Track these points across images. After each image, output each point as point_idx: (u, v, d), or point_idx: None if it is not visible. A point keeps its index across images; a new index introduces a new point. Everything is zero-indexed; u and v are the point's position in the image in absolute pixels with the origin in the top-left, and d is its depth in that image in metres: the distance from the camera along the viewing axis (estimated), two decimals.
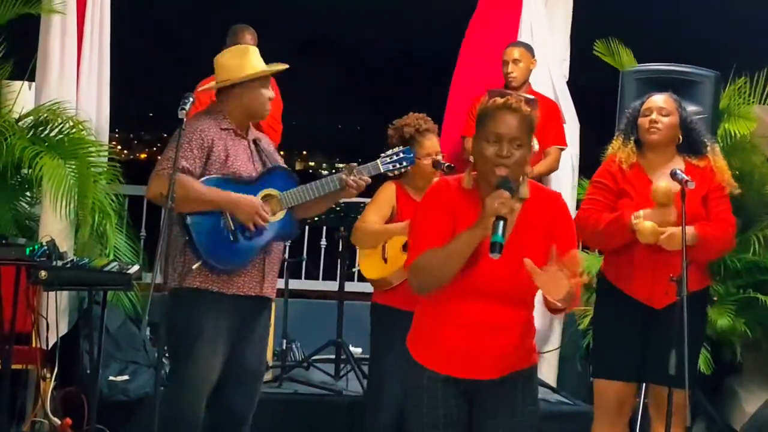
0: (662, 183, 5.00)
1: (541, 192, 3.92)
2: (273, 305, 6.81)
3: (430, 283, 3.76)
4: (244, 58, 5.02)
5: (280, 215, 4.91)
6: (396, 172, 5.08)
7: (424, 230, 3.82)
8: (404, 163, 5.04)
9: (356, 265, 6.02)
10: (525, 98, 3.82)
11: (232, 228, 4.83)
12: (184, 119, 4.68)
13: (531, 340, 3.96)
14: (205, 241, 4.83)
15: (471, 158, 3.87)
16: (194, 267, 4.79)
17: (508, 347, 3.82)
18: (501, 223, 3.55)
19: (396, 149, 5.07)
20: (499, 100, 3.78)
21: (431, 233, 3.77)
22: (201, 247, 4.82)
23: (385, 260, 5.60)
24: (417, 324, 4.01)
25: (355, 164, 4.94)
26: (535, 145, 6.30)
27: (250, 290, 4.92)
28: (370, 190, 5.89)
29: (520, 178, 3.78)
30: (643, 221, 4.96)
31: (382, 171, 5.00)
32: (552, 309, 3.79)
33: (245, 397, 5.06)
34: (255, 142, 5.06)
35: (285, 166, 5.04)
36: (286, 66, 5.13)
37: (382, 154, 5.08)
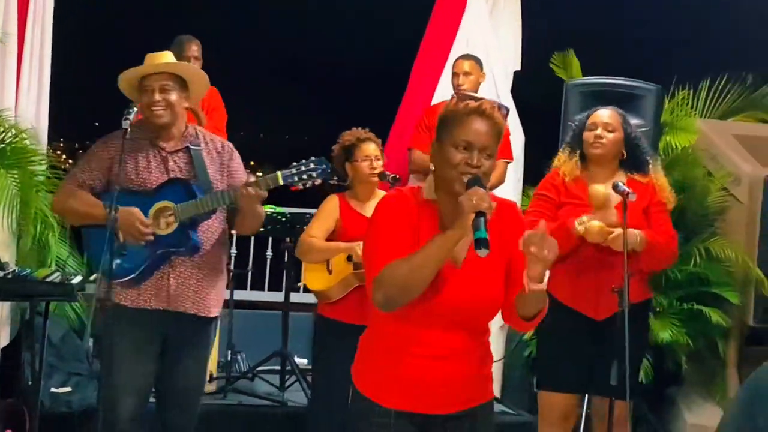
0: (600, 186, 5.09)
1: (497, 202, 3.52)
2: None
3: (399, 295, 3.34)
4: (144, 63, 4.90)
5: (173, 227, 4.74)
6: (308, 185, 4.78)
7: (385, 241, 3.42)
8: (315, 175, 4.74)
9: (302, 278, 5.98)
10: (498, 104, 3.63)
11: (121, 240, 4.70)
12: (128, 128, 4.64)
13: (489, 368, 3.64)
14: (96, 252, 4.74)
15: (432, 166, 3.53)
16: (92, 278, 4.73)
17: (468, 377, 3.50)
18: (482, 219, 3.25)
19: (305, 160, 4.78)
20: (473, 104, 3.47)
21: (393, 244, 3.39)
22: (93, 259, 4.79)
23: (330, 272, 5.62)
24: (364, 354, 3.62)
25: (254, 177, 4.77)
26: None
27: (157, 304, 4.76)
28: (316, 201, 5.91)
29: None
30: (591, 221, 5.02)
31: (282, 183, 4.72)
32: (522, 319, 3.47)
33: (181, 416, 4.94)
34: (187, 149, 4.87)
35: (184, 178, 4.79)
36: (156, 64, 4.86)
37: (291, 168, 4.77)
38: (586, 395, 5.53)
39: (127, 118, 4.61)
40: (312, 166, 4.73)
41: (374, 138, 5.77)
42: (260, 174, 4.83)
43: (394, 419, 3.49)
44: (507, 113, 3.50)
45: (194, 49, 7.14)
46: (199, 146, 4.91)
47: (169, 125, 4.84)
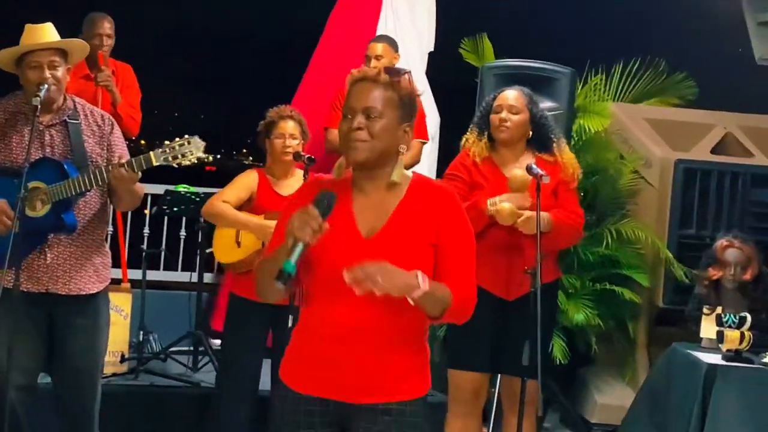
0: (519, 171, 5.12)
1: (428, 185, 3.44)
2: (128, 299, 6.72)
3: (260, 291, 3.35)
4: (22, 38, 4.69)
5: (46, 209, 4.58)
6: (182, 164, 4.58)
7: (278, 230, 3.36)
8: (189, 153, 4.56)
9: (211, 245, 5.96)
10: (390, 69, 3.53)
11: None
12: (38, 106, 4.54)
13: (418, 357, 3.38)
14: None
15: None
16: None
17: (382, 362, 3.28)
18: (298, 247, 3.07)
19: (179, 139, 4.61)
20: (356, 73, 3.41)
21: (278, 235, 3.33)
22: None
23: (239, 245, 5.63)
24: (291, 339, 3.44)
25: (127, 158, 4.63)
26: None
27: (33, 287, 4.64)
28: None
29: (380, 153, 3.31)
30: (502, 203, 5.05)
31: (156, 163, 4.55)
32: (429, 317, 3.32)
33: (77, 399, 4.84)
34: (64, 123, 4.71)
35: (55, 158, 4.64)
36: (44, 42, 4.66)
37: (164, 146, 4.59)
38: (499, 375, 5.57)
39: (38, 96, 4.51)
40: (186, 144, 4.57)
41: (297, 117, 5.76)
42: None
43: (306, 406, 3.33)
44: (401, 73, 3.39)
45: (107, 26, 7.04)
46: (78, 120, 4.76)
47: (53, 101, 4.69)
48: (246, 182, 5.71)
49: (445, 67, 8.44)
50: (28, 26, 4.71)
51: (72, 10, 7.16)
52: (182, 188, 7.14)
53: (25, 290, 4.61)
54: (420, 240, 3.31)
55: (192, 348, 7.14)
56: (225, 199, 5.65)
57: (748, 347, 5.65)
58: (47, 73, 4.62)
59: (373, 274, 3.04)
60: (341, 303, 3.22)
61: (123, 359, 6.75)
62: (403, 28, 8.00)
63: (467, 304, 3.39)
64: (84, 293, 4.75)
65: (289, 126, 5.70)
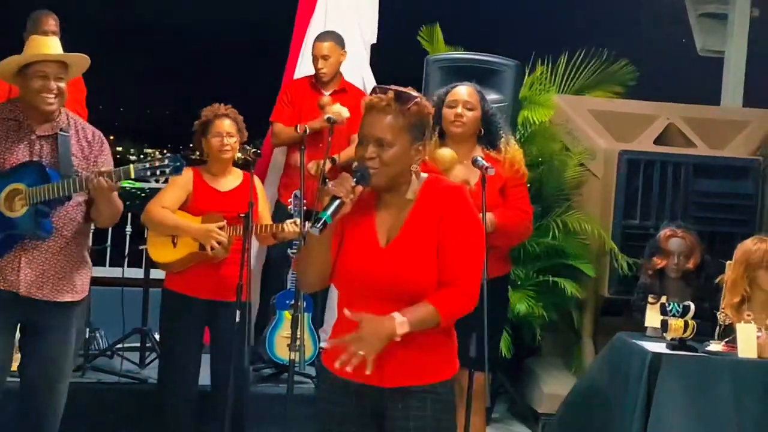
0: (444, 150, 5.16)
1: (437, 186, 3.66)
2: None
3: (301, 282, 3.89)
4: (28, 48, 4.81)
5: (23, 211, 4.66)
6: (160, 180, 4.86)
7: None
8: (168, 171, 4.67)
9: (145, 242, 5.95)
10: (400, 94, 3.60)
11: None
12: None
13: (437, 348, 3.66)
14: None
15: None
16: None
17: (397, 351, 3.52)
18: (335, 203, 3.45)
19: (160, 156, 4.73)
20: (367, 99, 3.61)
21: None
22: None
23: (175, 245, 5.63)
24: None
25: (107, 168, 4.73)
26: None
27: (6, 287, 4.70)
28: None
29: (393, 177, 3.57)
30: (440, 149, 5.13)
31: (134, 177, 4.69)
32: None
33: (45, 403, 4.90)
34: (56, 135, 4.80)
35: (40, 162, 4.72)
36: (54, 54, 4.80)
37: (144, 161, 4.73)
38: None
39: None
40: (166, 162, 4.68)
41: (233, 115, 5.77)
42: (119, 149, 4.79)
43: (342, 390, 3.64)
44: (408, 99, 3.49)
45: (51, 23, 6.99)
46: (68, 133, 4.84)
47: (53, 112, 4.79)
48: (181, 182, 5.67)
49: (388, 58, 8.44)
50: (34, 37, 4.88)
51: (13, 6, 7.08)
52: (127, 184, 7.09)
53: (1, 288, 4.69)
54: (430, 243, 3.57)
55: (139, 344, 7.10)
56: (164, 204, 5.64)
57: (691, 336, 5.70)
58: (53, 84, 4.72)
59: (354, 352, 3.39)
60: (359, 304, 3.54)
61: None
62: (346, 19, 7.97)
63: (465, 303, 3.63)
64: (56, 300, 4.80)
65: (226, 124, 5.70)
